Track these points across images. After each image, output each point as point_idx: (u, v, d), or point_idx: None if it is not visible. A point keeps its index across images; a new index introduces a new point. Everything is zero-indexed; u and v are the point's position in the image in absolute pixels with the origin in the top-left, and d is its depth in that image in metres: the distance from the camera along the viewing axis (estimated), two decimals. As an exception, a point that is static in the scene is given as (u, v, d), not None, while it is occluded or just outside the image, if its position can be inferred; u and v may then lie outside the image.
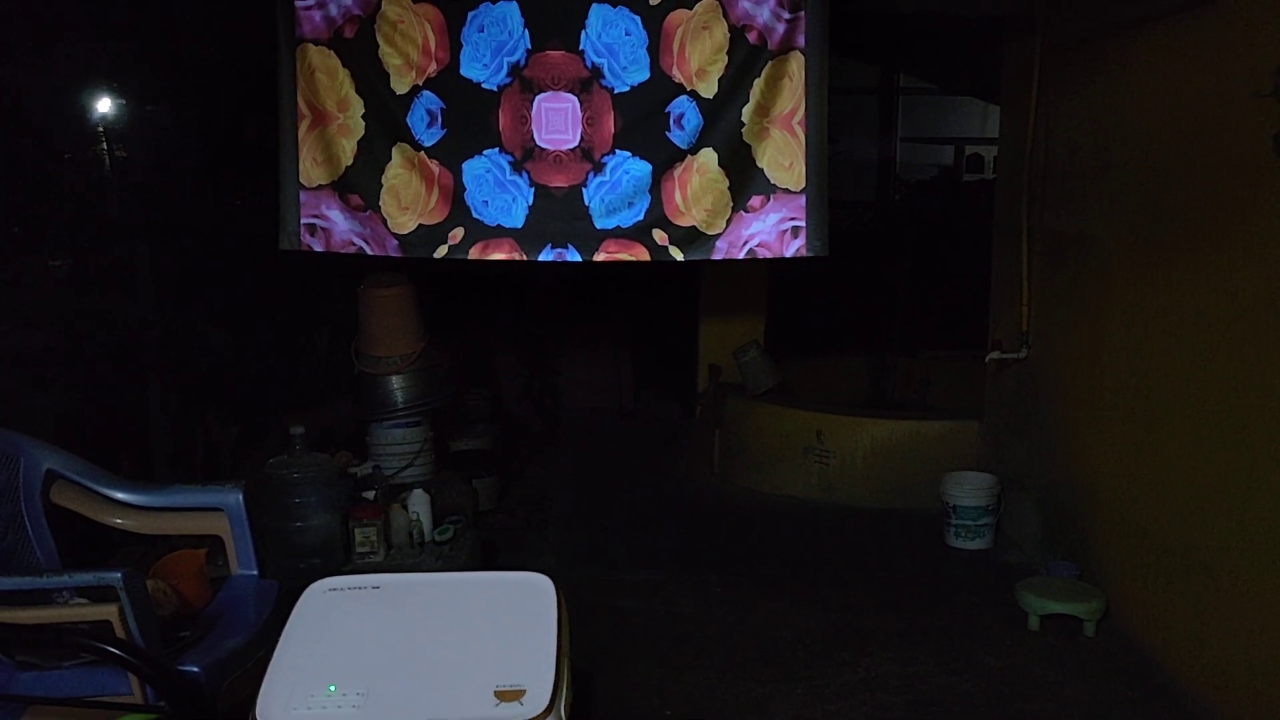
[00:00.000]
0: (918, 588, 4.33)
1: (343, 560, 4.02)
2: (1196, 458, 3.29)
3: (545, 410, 6.97)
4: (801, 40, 4.02)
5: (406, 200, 4.11)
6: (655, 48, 4.03)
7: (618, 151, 4.09)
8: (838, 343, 7.15)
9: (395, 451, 4.78)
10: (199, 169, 4.97)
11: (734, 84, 4.05)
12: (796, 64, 4.04)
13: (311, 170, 4.07)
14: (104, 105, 4.54)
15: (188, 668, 2.37)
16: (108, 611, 2.24)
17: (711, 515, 5.34)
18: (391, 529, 4.14)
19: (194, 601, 2.75)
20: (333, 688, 1.60)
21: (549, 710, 1.55)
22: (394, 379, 4.81)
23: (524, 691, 1.58)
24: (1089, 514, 4.06)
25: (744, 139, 4.09)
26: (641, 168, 4.11)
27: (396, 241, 4.14)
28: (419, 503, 4.24)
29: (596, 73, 4.03)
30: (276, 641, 2.73)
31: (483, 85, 4.04)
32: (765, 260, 4.27)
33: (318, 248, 4.12)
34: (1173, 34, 3.45)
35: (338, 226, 4.11)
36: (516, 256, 4.15)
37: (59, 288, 4.34)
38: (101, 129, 4.50)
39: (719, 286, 6.25)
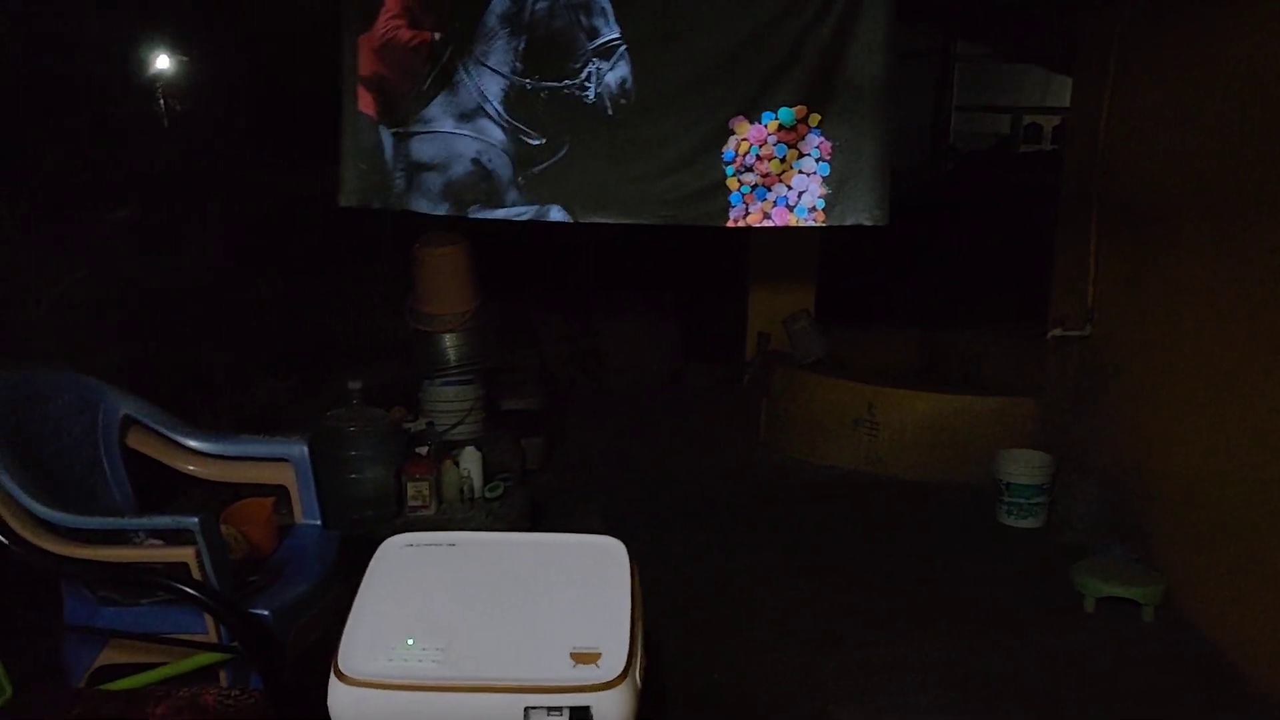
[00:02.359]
0: (969, 564, 4.30)
1: (394, 513, 4.06)
2: (1271, 448, 3.22)
3: (590, 374, 6.98)
4: None
5: None
6: None
7: None
8: (888, 314, 7.06)
9: (446, 409, 4.81)
10: (259, 125, 4.97)
11: None
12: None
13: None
14: (159, 59, 4.53)
15: (259, 611, 2.41)
16: (185, 554, 2.29)
17: (759, 483, 5.33)
18: (443, 484, 4.18)
19: (261, 548, 2.79)
20: (411, 641, 1.62)
21: (624, 675, 1.56)
22: (447, 337, 4.83)
23: (600, 655, 1.58)
24: (1153, 496, 3.99)
25: None
26: None
27: None
28: (470, 460, 4.28)
29: None
30: (339, 590, 2.79)
31: None
32: (816, 228, 4.13)
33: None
34: (1264, 7, 3.33)
35: None
36: None
37: (123, 240, 4.37)
38: (158, 83, 4.50)
39: (769, 254, 6.20)
